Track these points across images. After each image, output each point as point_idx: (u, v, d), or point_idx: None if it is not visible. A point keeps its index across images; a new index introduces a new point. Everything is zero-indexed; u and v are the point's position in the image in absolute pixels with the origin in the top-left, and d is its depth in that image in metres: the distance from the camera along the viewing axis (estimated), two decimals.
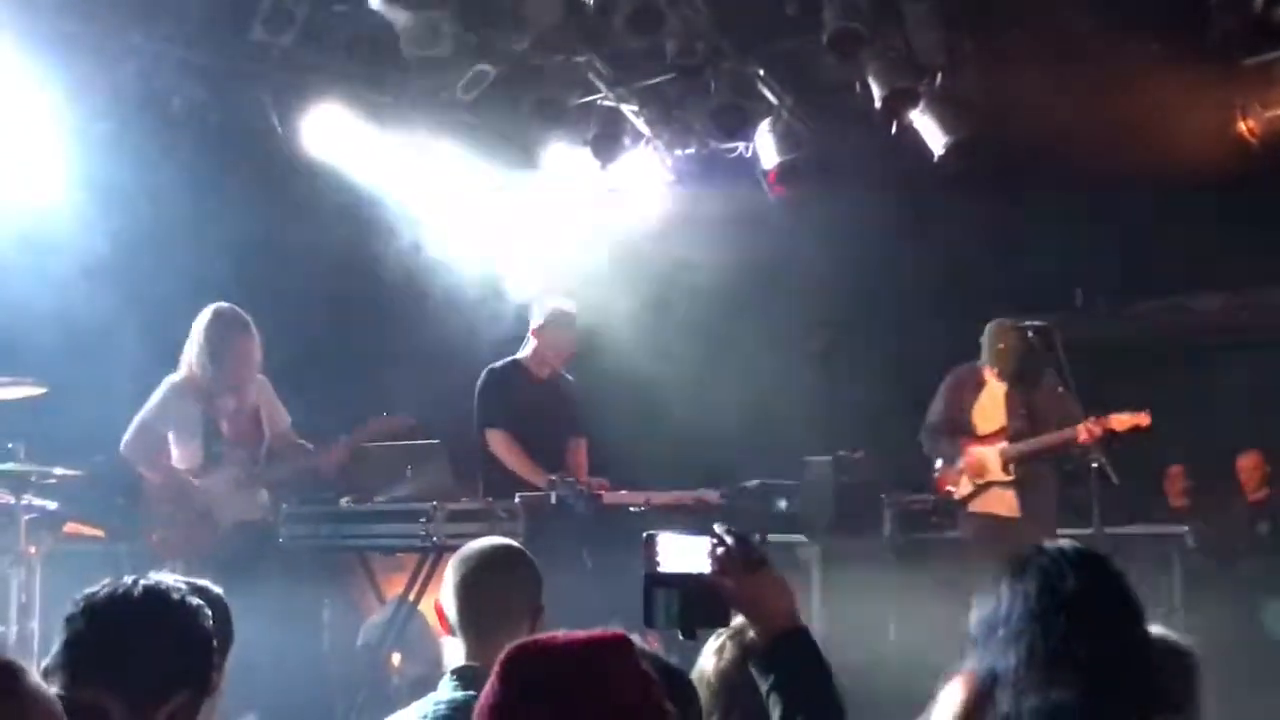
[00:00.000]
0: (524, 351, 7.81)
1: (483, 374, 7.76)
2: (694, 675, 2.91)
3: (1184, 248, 9.84)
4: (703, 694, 2.82)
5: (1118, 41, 7.97)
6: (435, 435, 7.34)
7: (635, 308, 9.76)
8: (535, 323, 7.79)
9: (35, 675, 1.86)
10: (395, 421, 7.18)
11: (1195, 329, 10.90)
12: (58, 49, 7.91)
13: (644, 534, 2.52)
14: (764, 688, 2.47)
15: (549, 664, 1.87)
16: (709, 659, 2.87)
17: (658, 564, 2.48)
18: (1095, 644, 2.39)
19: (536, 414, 7.61)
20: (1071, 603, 2.43)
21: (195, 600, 2.72)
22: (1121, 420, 7.71)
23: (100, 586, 2.67)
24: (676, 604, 2.49)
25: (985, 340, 8.05)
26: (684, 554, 2.50)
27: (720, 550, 2.50)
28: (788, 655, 2.47)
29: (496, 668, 1.90)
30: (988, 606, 2.51)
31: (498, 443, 7.55)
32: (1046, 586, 2.46)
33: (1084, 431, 7.64)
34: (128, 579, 2.69)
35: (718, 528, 2.54)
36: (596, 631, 1.92)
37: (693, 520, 7.67)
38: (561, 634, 1.92)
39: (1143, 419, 7.70)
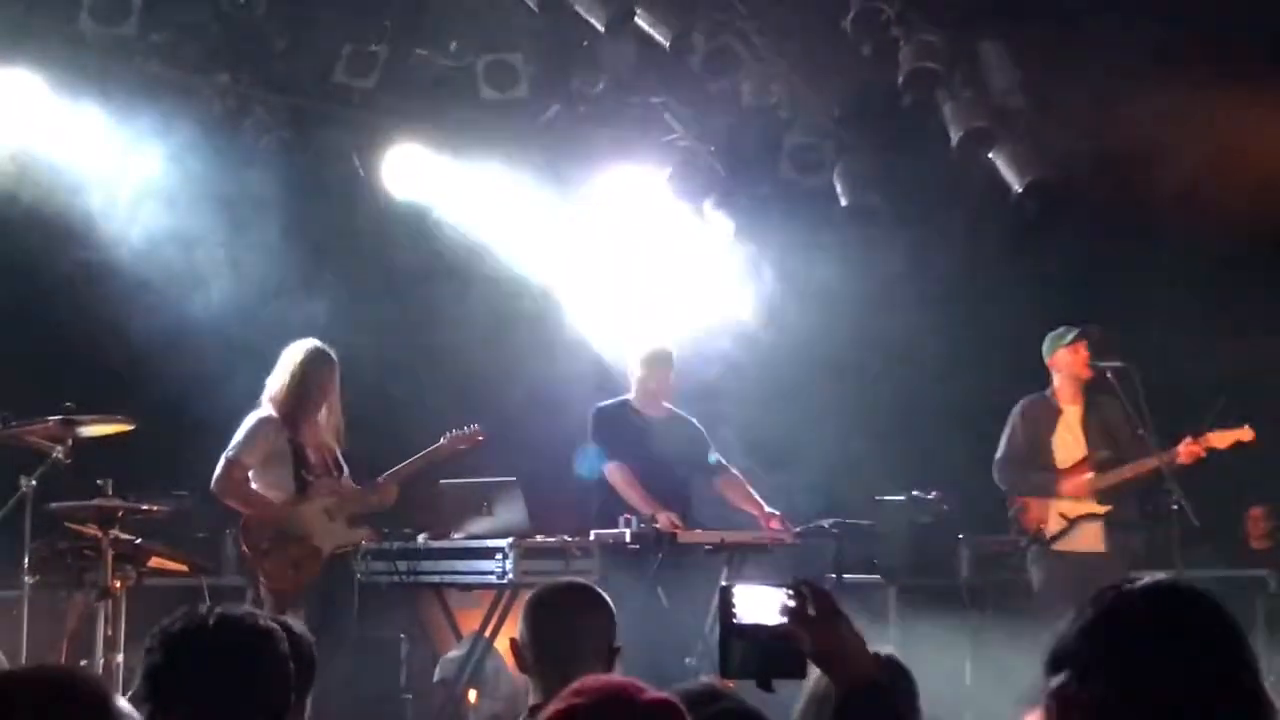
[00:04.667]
0: (631, 391, 7.90)
1: (592, 412, 7.84)
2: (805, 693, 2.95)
3: (1266, 283, 9.71)
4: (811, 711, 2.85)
5: (1196, 76, 7.91)
6: (514, 470, 7.40)
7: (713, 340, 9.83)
8: (636, 365, 7.88)
9: (124, 701, 1.91)
10: (462, 437, 7.24)
11: (1278, 368, 10.73)
12: (145, 90, 8.11)
13: (720, 585, 2.54)
14: None
15: None
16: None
17: (734, 615, 2.50)
18: (1193, 695, 2.12)
19: (649, 451, 7.68)
20: (1161, 647, 2.16)
21: (267, 624, 2.77)
22: (1224, 437, 7.54)
23: (176, 618, 2.72)
24: (753, 655, 2.50)
25: (1054, 353, 7.95)
26: (760, 605, 2.51)
27: (796, 602, 2.51)
28: (863, 710, 2.47)
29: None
30: (1065, 649, 2.26)
31: (616, 476, 7.61)
32: (1134, 628, 2.20)
33: (1184, 452, 7.49)
34: (203, 608, 2.74)
35: (794, 579, 2.54)
36: (647, 696, 1.93)
37: (768, 559, 7.68)
38: (614, 692, 1.93)
39: (1245, 434, 7.51)
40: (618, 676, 1.98)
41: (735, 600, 2.51)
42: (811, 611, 2.49)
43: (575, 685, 1.95)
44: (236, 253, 8.26)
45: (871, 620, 7.79)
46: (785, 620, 2.50)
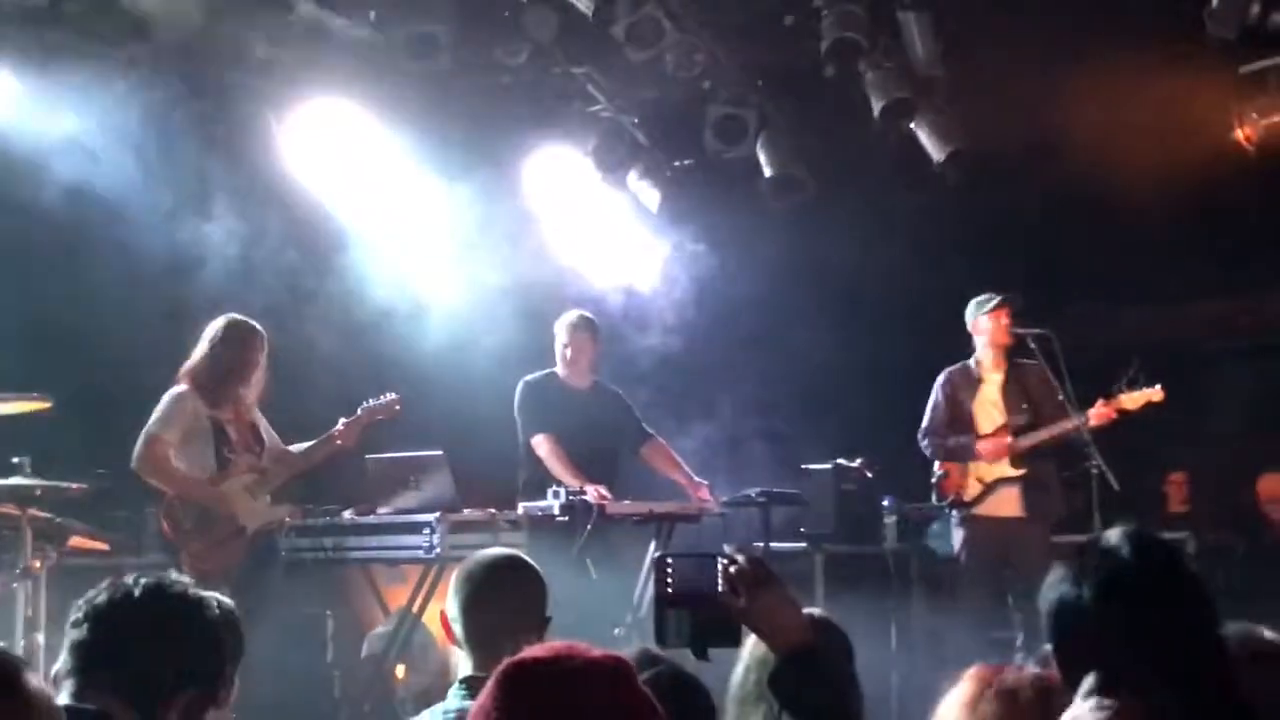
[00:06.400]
0: (558, 364, 7.89)
1: (519, 385, 7.83)
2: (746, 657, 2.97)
3: (1182, 253, 9.87)
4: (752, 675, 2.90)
5: (1114, 49, 8.00)
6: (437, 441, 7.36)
7: (641, 312, 9.84)
8: (559, 334, 7.88)
9: (36, 676, 1.88)
10: (378, 408, 7.20)
11: (1194, 335, 10.93)
12: (56, 62, 7.94)
13: (655, 556, 2.56)
14: (776, 706, 2.49)
15: (549, 686, 1.90)
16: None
17: (669, 585, 2.51)
18: (1170, 646, 2.28)
19: (578, 422, 7.68)
20: (1141, 600, 2.31)
21: (196, 593, 2.72)
22: (1134, 399, 7.68)
23: (100, 589, 2.66)
24: (688, 624, 2.51)
25: (976, 320, 8.02)
26: (694, 575, 2.53)
27: (731, 570, 2.53)
28: (798, 674, 2.49)
29: (495, 680, 1.93)
30: (1047, 604, 2.40)
31: (543, 448, 7.60)
32: (1113, 582, 2.34)
33: (1095, 415, 7.62)
34: (129, 578, 2.68)
35: (728, 547, 2.57)
36: (597, 653, 1.94)
37: (696, 529, 7.72)
38: (564, 650, 1.94)
39: (1156, 394, 7.65)
40: (562, 641, 2.00)
41: (670, 570, 2.52)
42: (745, 579, 2.51)
43: (525, 650, 1.96)
44: (152, 227, 8.13)
45: (798, 587, 7.85)
46: (719, 589, 2.51)
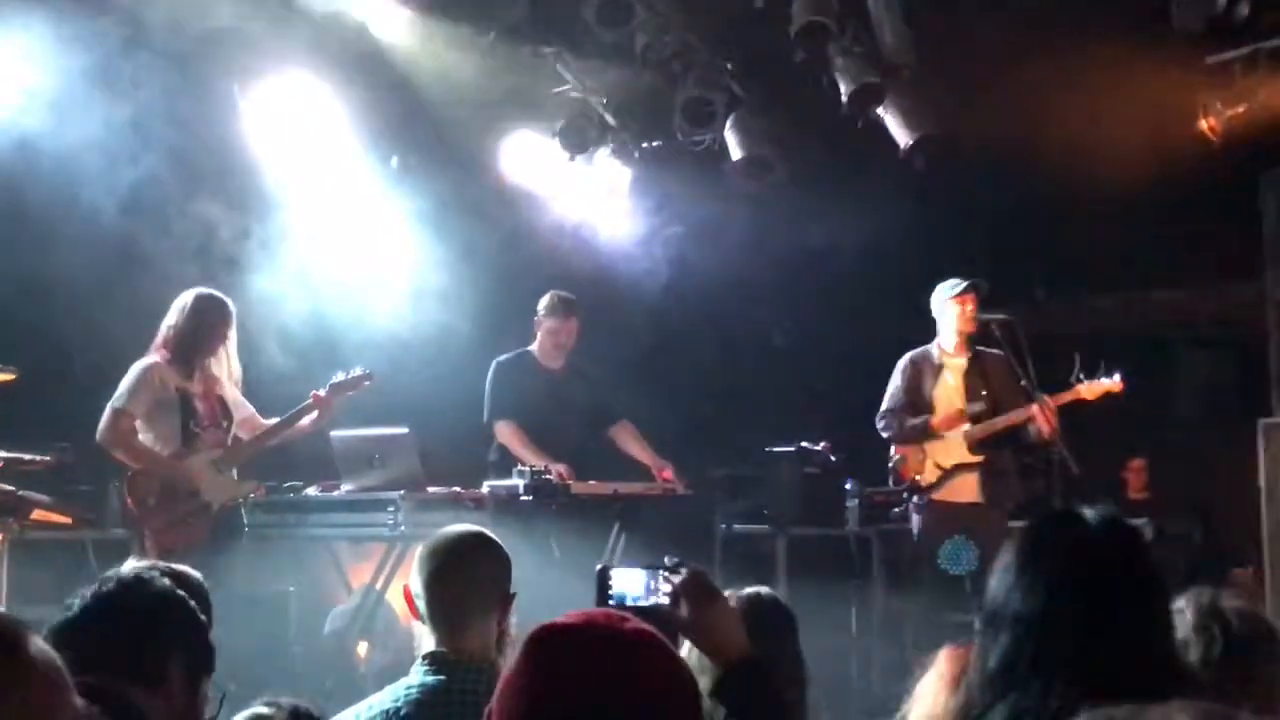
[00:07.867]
0: (533, 343, 7.90)
1: (492, 365, 7.84)
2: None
3: (1144, 242, 9.95)
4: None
5: (1081, 39, 8.05)
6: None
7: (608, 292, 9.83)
8: (540, 312, 7.88)
9: (38, 639, 1.88)
10: (346, 382, 7.19)
11: (1155, 323, 11.02)
12: (21, 28, 7.87)
13: (597, 567, 2.58)
14: (722, 712, 2.53)
15: (580, 652, 1.88)
16: None
17: (610, 596, 2.54)
18: (1121, 631, 2.22)
19: (547, 403, 7.71)
20: (1098, 586, 2.25)
21: (131, 574, 2.72)
22: (1092, 389, 7.70)
23: (56, 614, 2.67)
24: None
25: (942, 305, 8.04)
26: (636, 585, 2.56)
27: (676, 581, 2.56)
28: (740, 688, 2.53)
29: (525, 646, 1.90)
30: (998, 586, 2.31)
31: (505, 434, 7.64)
32: (1070, 566, 2.28)
33: (1037, 411, 7.63)
34: (72, 598, 2.68)
35: (669, 559, 2.59)
36: (630, 621, 1.93)
37: (660, 511, 7.74)
38: (600, 615, 1.94)
39: (1114, 385, 7.68)
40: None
41: (612, 581, 2.55)
42: (687, 591, 2.54)
43: (535, 632, 1.93)
44: (119, 196, 8.07)
45: (761, 570, 7.90)
46: (661, 600, 2.55)
